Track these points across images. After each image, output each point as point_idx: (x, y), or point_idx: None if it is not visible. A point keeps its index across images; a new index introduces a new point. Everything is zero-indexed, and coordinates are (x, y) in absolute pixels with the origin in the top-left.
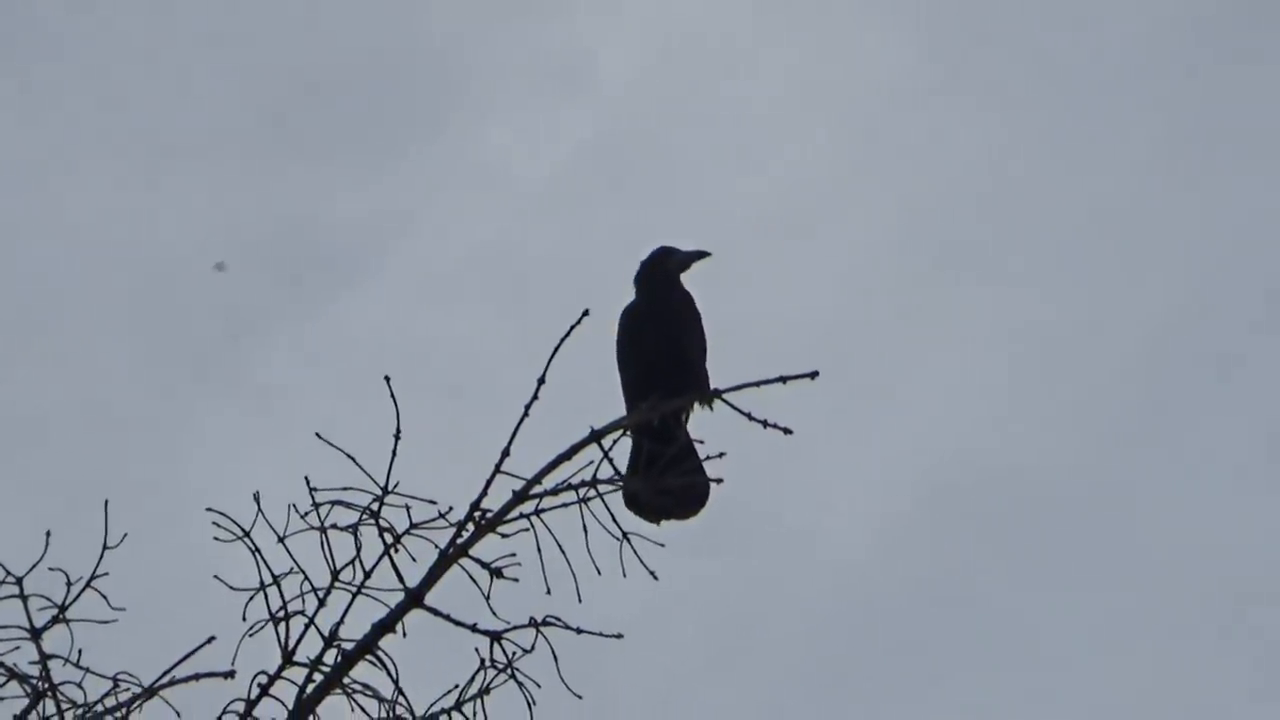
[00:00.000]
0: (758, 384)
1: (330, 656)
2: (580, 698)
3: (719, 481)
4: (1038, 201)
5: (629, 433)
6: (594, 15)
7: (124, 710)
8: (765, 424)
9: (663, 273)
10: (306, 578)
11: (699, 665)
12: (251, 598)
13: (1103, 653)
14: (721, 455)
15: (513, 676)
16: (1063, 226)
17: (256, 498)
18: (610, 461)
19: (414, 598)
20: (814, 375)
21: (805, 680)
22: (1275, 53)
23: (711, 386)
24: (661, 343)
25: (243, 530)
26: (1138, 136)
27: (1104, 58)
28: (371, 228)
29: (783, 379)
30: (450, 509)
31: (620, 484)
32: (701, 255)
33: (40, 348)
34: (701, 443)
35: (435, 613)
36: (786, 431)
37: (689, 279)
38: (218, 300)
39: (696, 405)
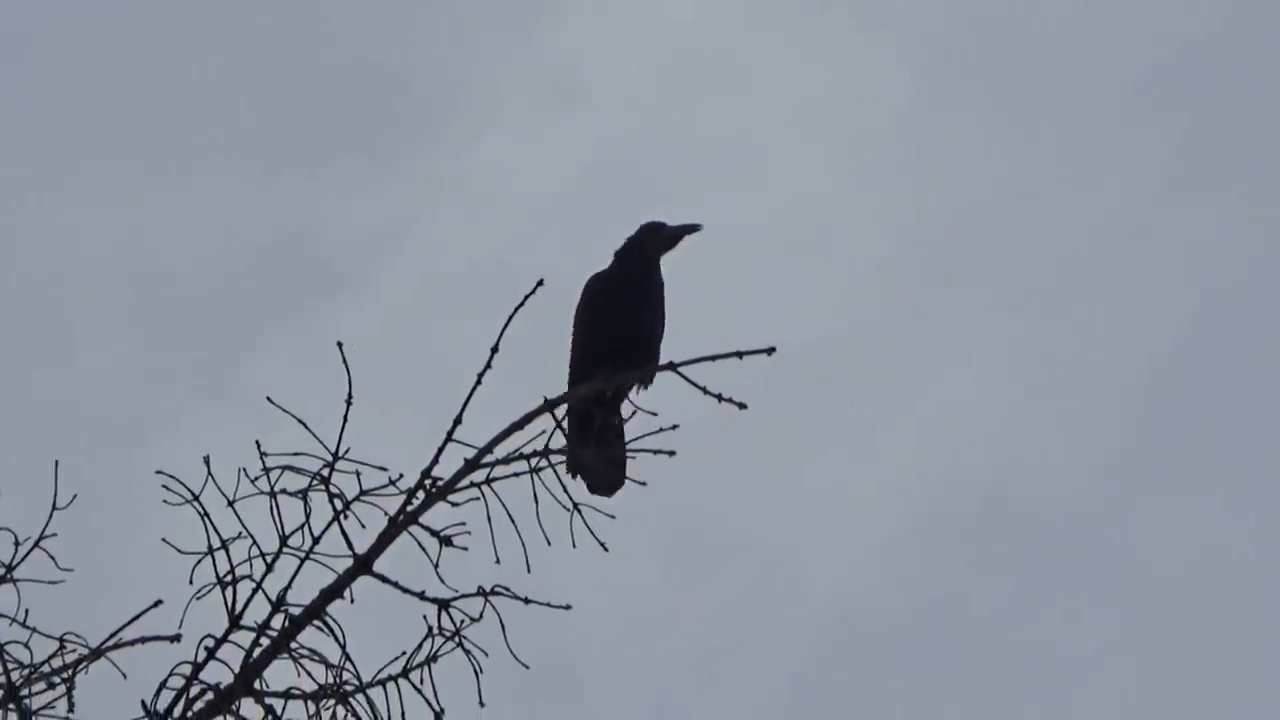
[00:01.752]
0: (713, 358)
1: (277, 621)
2: (528, 668)
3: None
4: (1039, 220)
5: (574, 403)
6: (590, 29)
7: (70, 671)
8: (720, 398)
9: (648, 248)
10: (255, 542)
11: (691, 672)
12: (199, 561)
13: (1105, 676)
14: (675, 427)
15: (460, 645)
16: (1064, 245)
17: (206, 461)
18: (563, 431)
19: (362, 564)
20: (770, 351)
21: (793, 700)
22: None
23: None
24: (626, 315)
25: (192, 493)
26: (1140, 155)
27: (1105, 76)
28: (367, 238)
29: (739, 354)
30: (401, 476)
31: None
32: (693, 229)
33: (37, 348)
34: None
35: (384, 579)
36: (741, 406)
37: (678, 266)
38: (213, 307)
39: (651, 378)
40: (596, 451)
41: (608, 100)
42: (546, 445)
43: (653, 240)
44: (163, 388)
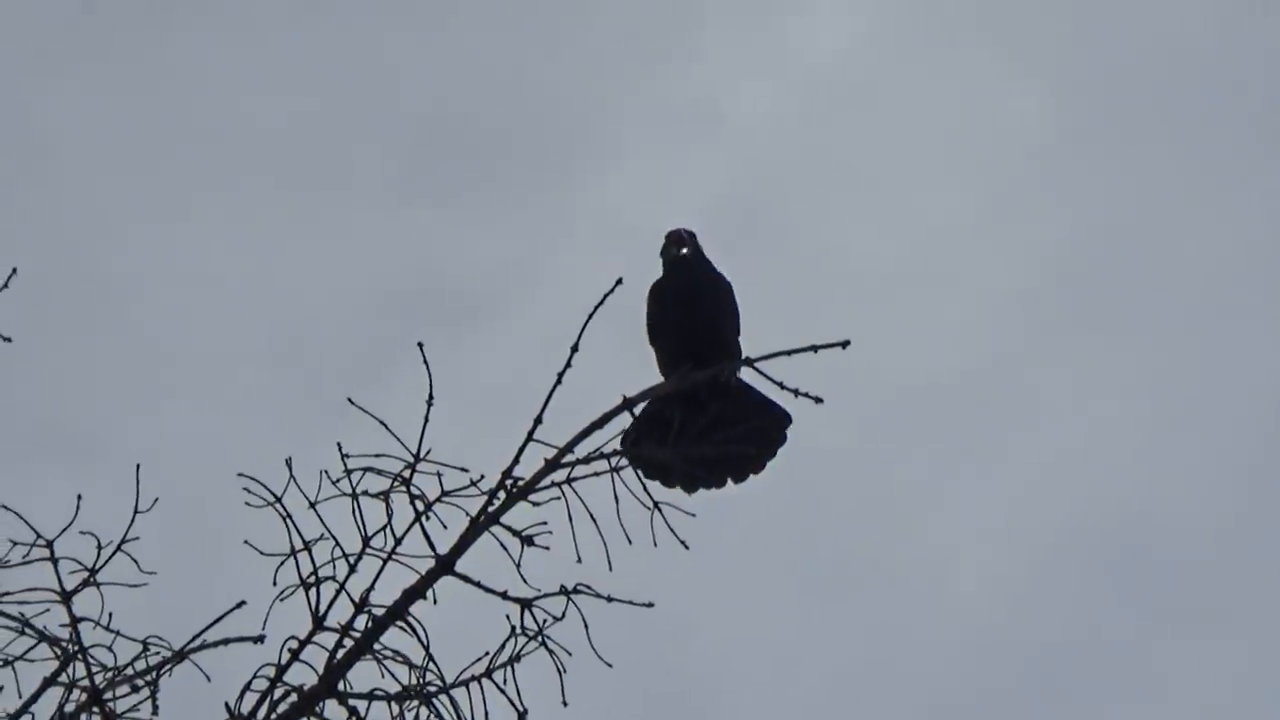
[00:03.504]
0: (789, 352)
1: (361, 622)
2: (610, 666)
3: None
4: (1181, 250)
5: (657, 402)
6: (725, 58)
7: (154, 674)
8: (796, 393)
9: (678, 262)
10: (338, 543)
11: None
12: (282, 563)
13: (1240, 712)
14: (819, 401)
15: (543, 644)
16: (1206, 276)
17: (289, 463)
18: (633, 428)
19: (444, 564)
20: (845, 344)
21: None
22: None
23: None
24: (685, 316)
25: (274, 495)
26: (1275, 186)
27: (1248, 102)
28: (501, 271)
29: (814, 348)
30: (482, 477)
31: (630, 457)
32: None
33: (167, 386)
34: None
35: (466, 579)
36: (818, 400)
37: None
38: (345, 344)
39: (729, 374)
40: (674, 451)
41: (743, 130)
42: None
43: (671, 250)
44: (295, 419)
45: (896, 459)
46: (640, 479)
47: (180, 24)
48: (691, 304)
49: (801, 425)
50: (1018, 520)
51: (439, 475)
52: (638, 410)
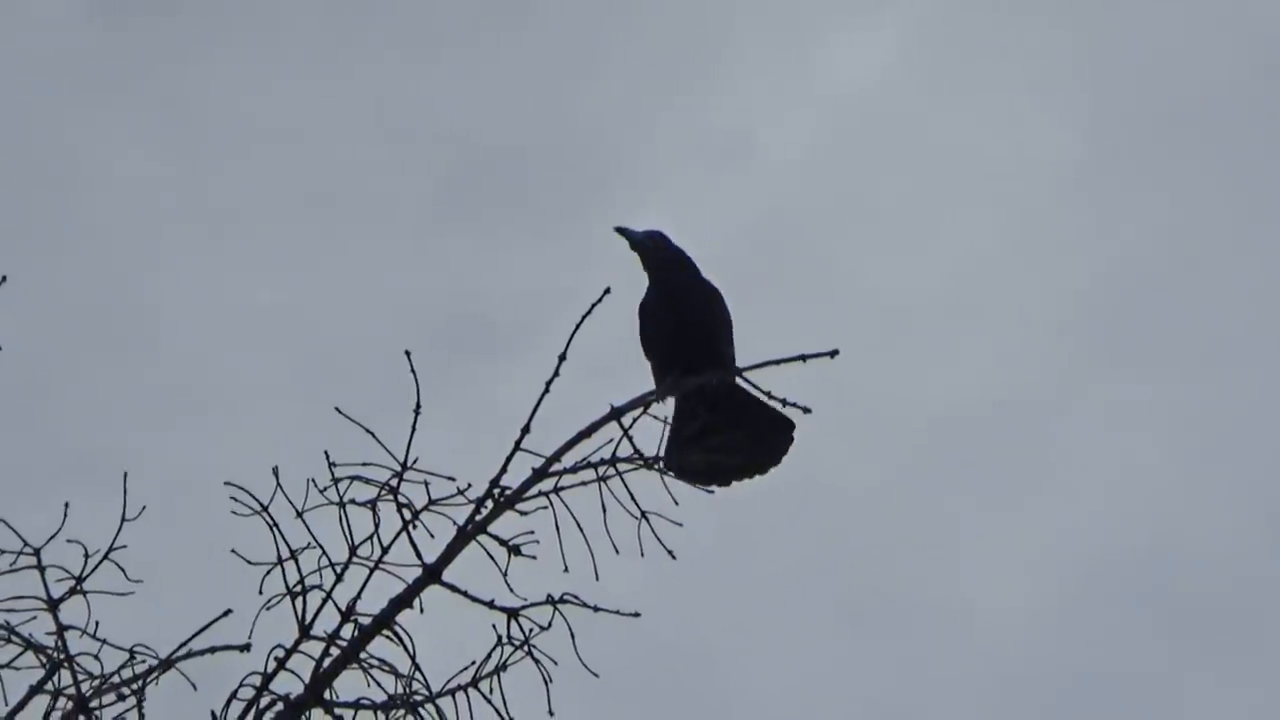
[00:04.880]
0: (778, 362)
1: (347, 631)
2: (597, 676)
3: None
4: (1211, 286)
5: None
6: (758, 92)
7: (140, 682)
8: (784, 402)
9: (655, 259)
10: (324, 552)
11: None
12: (269, 571)
13: None
14: (808, 410)
15: (529, 653)
16: (1236, 312)
17: (275, 472)
18: (630, 440)
19: (431, 573)
20: (834, 354)
21: None
22: None
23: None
24: (675, 329)
25: (261, 504)
26: None
27: (1275, 145)
28: (532, 302)
29: (803, 357)
30: (469, 486)
31: (644, 463)
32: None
33: (192, 408)
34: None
35: (452, 589)
36: (806, 410)
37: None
38: (375, 370)
39: (719, 382)
40: (692, 452)
41: (774, 161)
42: (614, 454)
43: (657, 241)
44: (317, 443)
45: (926, 491)
46: (629, 490)
47: (216, 56)
48: (680, 315)
49: (830, 457)
50: (1048, 553)
51: (426, 484)
52: (627, 420)
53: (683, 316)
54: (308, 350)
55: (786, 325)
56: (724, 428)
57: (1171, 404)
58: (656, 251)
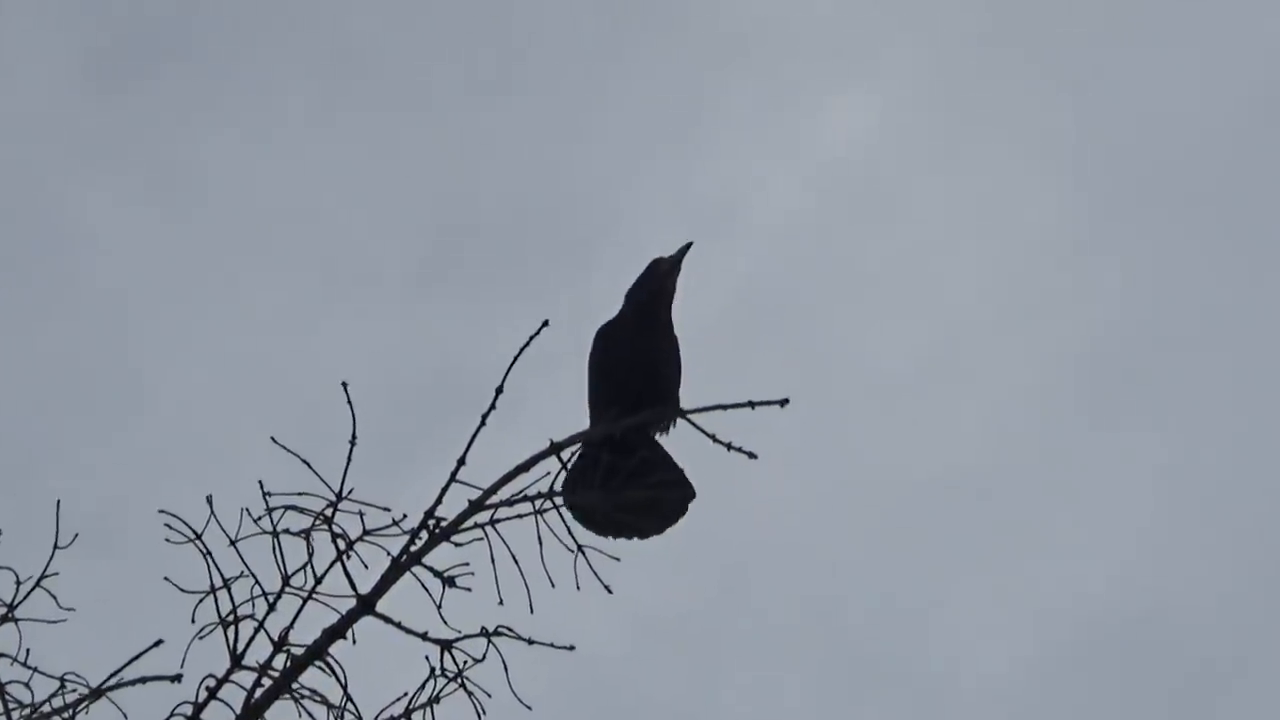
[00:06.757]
0: (725, 407)
1: (279, 661)
2: (530, 709)
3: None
4: (1199, 349)
5: (585, 446)
6: (746, 157)
7: (71, 711)
8: (729, 447)
9: (661, 291)
10: (257, 581)
11: None
12: (201, 600)
13: None
14: (753, 456)
15: (463, 685)
16: (1225, 376)
17: (209, 501)
18: (568, 474)
19: (365, 604)
20: (784, 403)
21: None
22: None
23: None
24: (637, 359)
25: (194, 532)
26: None
27: (1262, 203)
28: (521, 365)
29: (751, 404)
30: (404, 516)
31: (564, 500)
32: (686, 247)
33: (191, 469)
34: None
35: (386, 620)
36: (751, 456)
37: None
38: (368, 435)
39: (662, 422)
40: (602, 495)
41: (761, 225)
42: (551, 487)
43: (656, 274)
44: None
45: (912, 554)
46: (567, 524)
47: (206, 120)
48: (648, 350)
49: (816, 517)
50: (1034, 617)
51: (361, 514)
52: (570, 456)
53: (656, 348)
54: (285, 403)
55: (771, 390)
56: (628, 479)
57: (1156, 467)
58: (666, 286)
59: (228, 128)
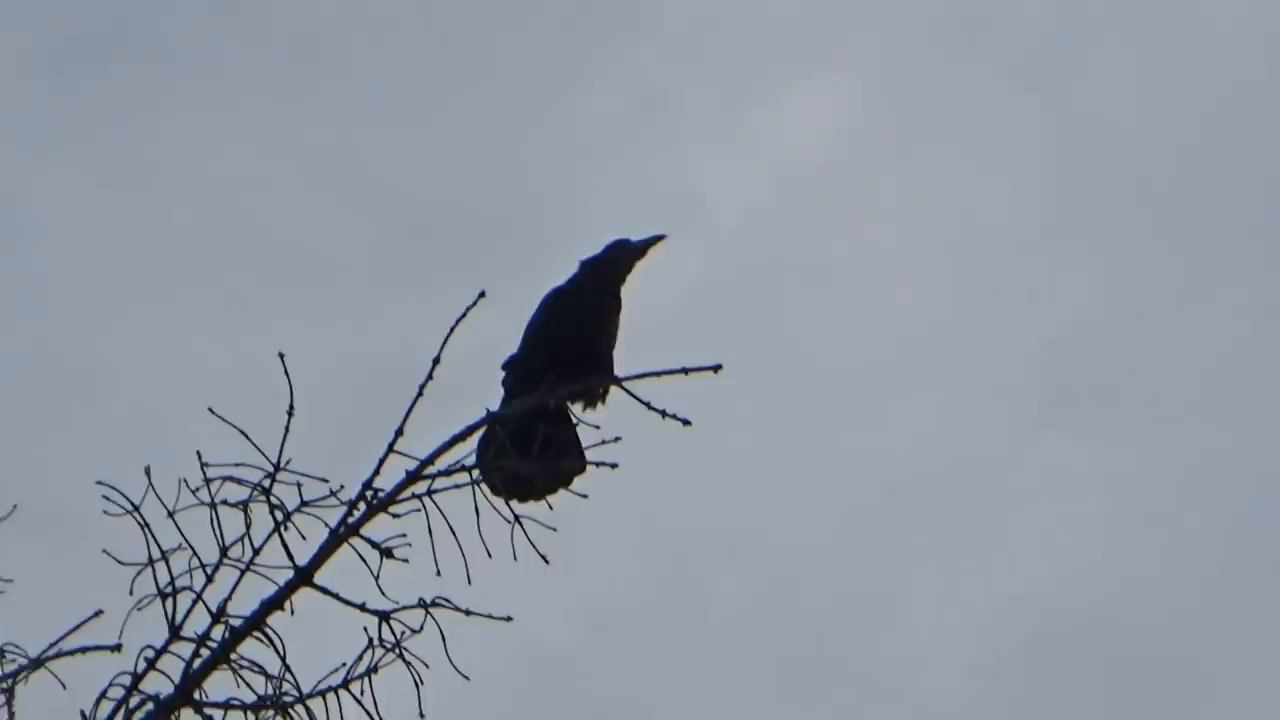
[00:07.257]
0: (658, 374)
1: (218, 632)
2: (468, 679)
3: (601, 465)
4: (1153, 350)
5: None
6: (705, 152)
7: (10, 681)
8: (664, 414)
9: (618, 265)
10: (195, 553)
11: None
12: (139, 572)
13: None
14: (617, 439)
15: (401, 656)
16: (1177, 376)
17: (147, 471)
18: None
19: (303, 576)
20: (717, 368)
21: None
22: None
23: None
24: (582, 331)
25: (132, 504)
26: (1251, 288)
27: (1220, 208)
28: (476, 360)
29: (684, 370)
30: (342, 487)
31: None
32: (657, 239)
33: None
34: (597, 427)
35: (324, 591)
36: (685, 423)
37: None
38: (322, 432)
39: (598, 392)
40: (538, 464)
41: (721, 221)
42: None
43: (622, 257)
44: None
45: (870, 550)
46: (486, 494)
47: (166, 112)
48: (594, 322)
49: (773, 513)
50: (991, 614)
51: (299, 486)
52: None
53: (603, 321)
54: (235, 385)
55: (732, 381)
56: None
57: (1117, 466)
58: (624, 265)
59: (185, 117)
